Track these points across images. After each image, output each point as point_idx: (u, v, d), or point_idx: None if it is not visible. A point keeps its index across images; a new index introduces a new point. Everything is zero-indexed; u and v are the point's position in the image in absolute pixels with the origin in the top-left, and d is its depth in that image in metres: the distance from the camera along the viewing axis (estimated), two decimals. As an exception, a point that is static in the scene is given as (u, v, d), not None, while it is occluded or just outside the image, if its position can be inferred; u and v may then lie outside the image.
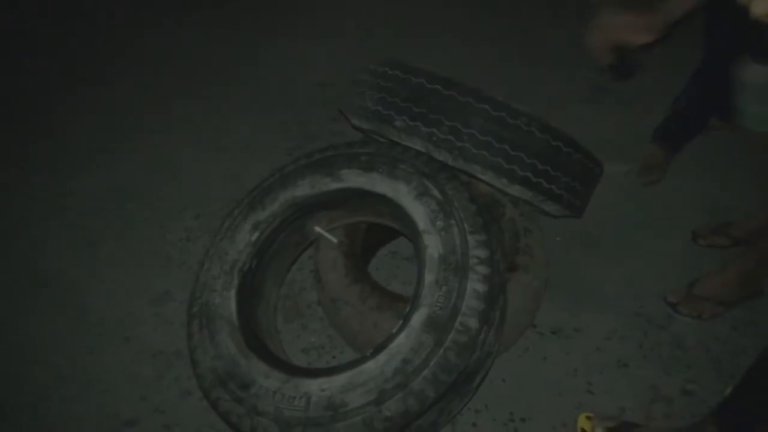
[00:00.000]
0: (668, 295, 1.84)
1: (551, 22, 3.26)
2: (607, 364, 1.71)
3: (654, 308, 1.84)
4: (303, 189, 1.65)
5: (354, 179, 1.61)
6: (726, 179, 2.22)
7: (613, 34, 1.28)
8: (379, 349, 1.32)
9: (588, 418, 1.52)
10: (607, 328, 1.80)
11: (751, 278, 1.76)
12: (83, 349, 1.81)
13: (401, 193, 1.51)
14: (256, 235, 1.65)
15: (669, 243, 2.04)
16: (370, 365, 1.30)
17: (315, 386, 1.31)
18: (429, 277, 1.37)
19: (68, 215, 2.31)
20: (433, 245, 1.40)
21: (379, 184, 1.56)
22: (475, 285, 1.32)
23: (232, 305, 1.54)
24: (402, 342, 1.30)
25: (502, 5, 3.38)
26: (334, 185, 1.63)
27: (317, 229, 1.74)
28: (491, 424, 1.58)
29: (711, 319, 1.79)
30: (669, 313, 1.83)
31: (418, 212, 1.47)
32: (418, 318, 1.32)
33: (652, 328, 1.79)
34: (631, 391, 1.64)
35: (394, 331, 1.34)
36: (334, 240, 1.73)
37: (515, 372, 1.69)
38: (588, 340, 1.77)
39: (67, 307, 1.94)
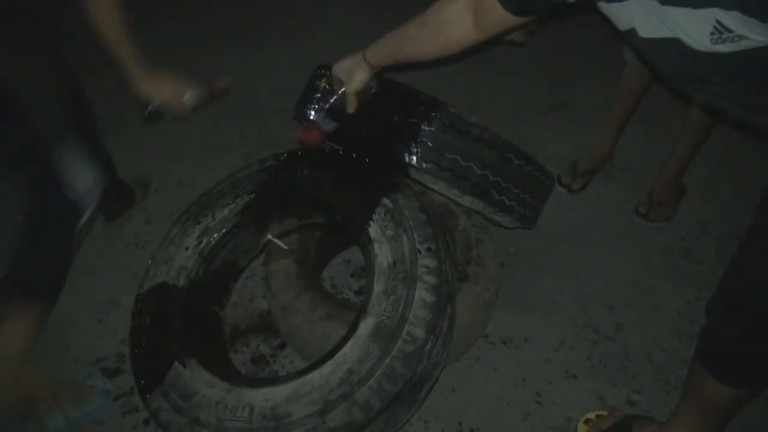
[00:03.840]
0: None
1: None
2: (555, 374, 1.72)
3: (602, 319, 1.87)
4: (254, 195, 1.63)
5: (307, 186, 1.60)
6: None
7: None
8: (324, 358, 1.30)
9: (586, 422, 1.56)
10: (557, 338, 1.82)
11: (678, 180, 2.16)
12: (20, 358, 1.74)
13: (352, 200, 1.51)
14: (204, 241, 1.62)
15: (617, 256, 2.08)
16: (315, 375, 1.28)
17: (258, 397, 1.29)
18: (378, 287, 1.36)
19: (9, 216, 2.22)
20: (382, 254, 1.40)
21: (330, 191, 1.55)
22: (422, 294, 1.31)
23: (177, 313, 1.51)
24: (348, 351, 1.28)
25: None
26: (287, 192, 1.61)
27: (269, 236, 1.72)
28: (440, 435, 1.57)
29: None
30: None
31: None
32: (365, 327, 1.31)
33: (601, 339, 1.82)
34: (579, 402, 1.65)
35: (340, 340, 1.32)
36: (286, 247, 1.71)
37: (465, 382, 1.69)
38: (538, 350, 1.78)
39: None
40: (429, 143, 1.46)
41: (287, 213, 1.67)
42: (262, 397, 1.28)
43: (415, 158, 1.47)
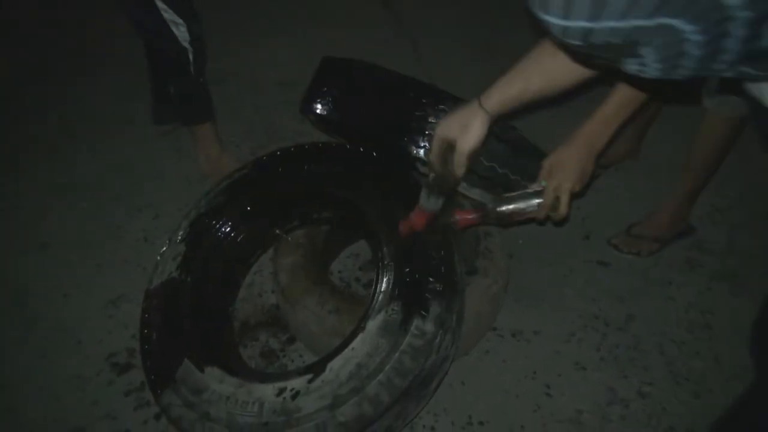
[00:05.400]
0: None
1: (515, 23, 3.28)
2: (565, 366, 1.72)
3: (613, 311, 1.86)
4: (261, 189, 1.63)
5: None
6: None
7: None
8: (333, 353, 1.30)
9: None
10: (566, 330, 1.81)
11: (678, 217, 2.01)
12: (32, 354, 1.75)
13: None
14: (213, 236, 1.62)
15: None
16: (325, 370, 1.28)
17: (269, 391, 1.29)
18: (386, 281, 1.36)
19: (18, 214, 2.24)
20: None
21: (338, 185, 1.55)
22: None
23: (186, 308, 1.51)
24: (357, 346, 1.28)
25: (479, 10, 3.39)
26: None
27: (277, 231, 1.72)
28: (450, 428, 1.57)
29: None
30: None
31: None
32: (374, 322, 1.30)
33: (610, 330, 1.81)
34: (589, 394, 1.65)
35: (349, 335, 1.32)
36: (294, 242, 1.70)
37: (475, 375, 1.69)
38: (547, 342, 1.78)
39: (15, 311, 1.88)
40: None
41: (294, 208, 1.67)
42: (272, 391, 1.29)
43: (422, 151, 1.46)
